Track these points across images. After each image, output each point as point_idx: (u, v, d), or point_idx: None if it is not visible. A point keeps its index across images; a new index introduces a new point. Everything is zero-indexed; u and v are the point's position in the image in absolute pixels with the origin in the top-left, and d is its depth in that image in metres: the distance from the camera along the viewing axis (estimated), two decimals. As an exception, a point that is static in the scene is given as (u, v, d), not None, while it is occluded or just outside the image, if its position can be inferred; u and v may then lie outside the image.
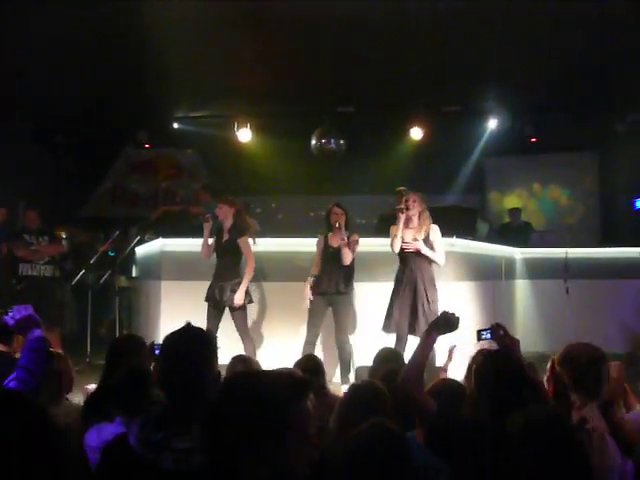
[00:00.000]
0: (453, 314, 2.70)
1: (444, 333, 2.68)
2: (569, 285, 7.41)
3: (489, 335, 2.83)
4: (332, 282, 5.63)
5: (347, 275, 5.70)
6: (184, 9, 6.44)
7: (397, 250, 5.40)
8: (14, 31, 6.52)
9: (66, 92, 8.13)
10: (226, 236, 5.79)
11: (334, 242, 5.71)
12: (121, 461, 1.80)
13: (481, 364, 2.54)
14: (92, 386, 3.63)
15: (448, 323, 2.66)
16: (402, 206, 5.40)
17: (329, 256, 5.71)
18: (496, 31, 6.57)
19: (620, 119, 8.93)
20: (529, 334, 7.15)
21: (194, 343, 1.93)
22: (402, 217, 5.37)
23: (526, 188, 10.58)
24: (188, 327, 2.00)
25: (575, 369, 2.81)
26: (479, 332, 2.90)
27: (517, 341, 2.82)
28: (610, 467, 2.51)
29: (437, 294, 5.38)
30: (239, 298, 5.62)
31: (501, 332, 2.80)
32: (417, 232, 5.41)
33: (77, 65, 7.45)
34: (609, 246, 8.29)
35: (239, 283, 5.69)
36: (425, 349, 2.63)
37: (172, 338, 1.96)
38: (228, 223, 5.81)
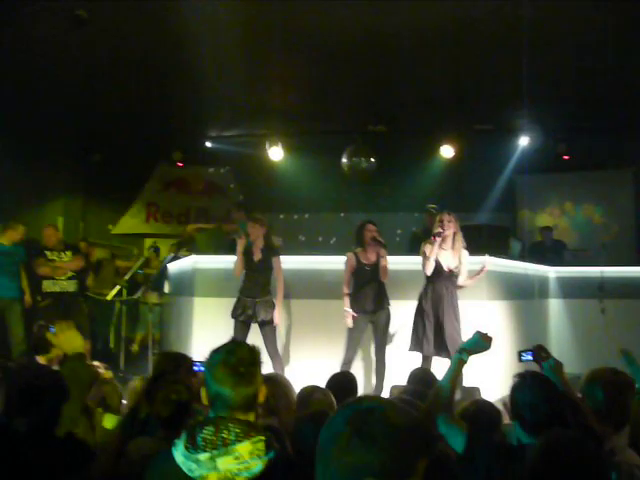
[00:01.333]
0: (486, 334, 2.67)
1: (476, 353, 2.65)
2: (604, 304, 7.29)
3: (530, 357, 2.80)
4: (373, 299, 5.64)
5: (385, 290, 5.72)
6: (219, 28, 6.59)
7: (429, 273, 5.36)
8: (51, 46, 6.70)
9: (102, 109, 8.35)
10: (258, 254, 5.85)
11: (369, 258, 5.72)
12: (168, 477, 1.82)
13: (516, 388, 2.49)
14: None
15: (481, 345, 2.64)
16: (439, 230, 5.34)
17: (365, 273, 5.69)
18: (528, 48, 6.56)
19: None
20: (563, 355, 7.00)
21: (253, 360, 1.97)
22: (437, 241, 5.32)
23: (558, 206, 10.46)
24: (236, 345, 2.03)
25: (597, 399, 2.71)
26: (520, 353, 2.86)
27: (560, 364, 2.77)
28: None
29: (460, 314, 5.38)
30: (277, 315, 5.70)
31: (543, 354, 2.75)
32: (453, 255, 5.40)
33: (113, 82, 7.64)
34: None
35: (270, 300, 5.76)
36: (455, 371, 2.59)
37: (218, 353, 1.98)
38: (259, 242, 5.88)
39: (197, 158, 10.52)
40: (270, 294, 5.81)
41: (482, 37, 6.64)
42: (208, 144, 10.01)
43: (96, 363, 3.52)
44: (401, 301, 6.01)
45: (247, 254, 5.88)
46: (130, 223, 11.13)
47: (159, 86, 7.83)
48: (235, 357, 1.94)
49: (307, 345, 6.25)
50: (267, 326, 5.73)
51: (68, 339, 2.58)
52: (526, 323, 6.77)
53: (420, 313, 5.42)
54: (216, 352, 1.99)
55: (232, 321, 5.76)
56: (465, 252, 5.46)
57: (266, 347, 5.65)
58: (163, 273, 8.14)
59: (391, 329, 6.07)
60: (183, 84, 7.74)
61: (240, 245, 5.86)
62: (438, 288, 5.37)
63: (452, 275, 5.38)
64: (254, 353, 2.01)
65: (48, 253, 7.01)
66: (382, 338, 5.69)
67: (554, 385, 2.54)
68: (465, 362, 2.60)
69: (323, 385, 3.45)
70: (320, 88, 8.06)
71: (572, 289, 7.89)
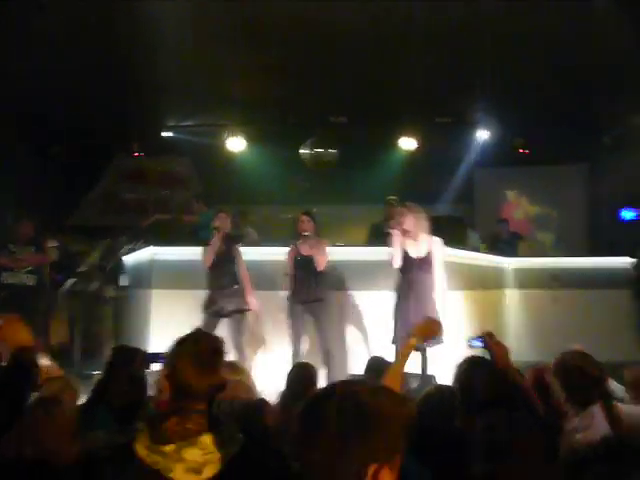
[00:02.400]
0: (435, 320, 2.73)
1: (426, 338, 2.68)
2: (558, 294, 7.50)
3: (480, 343, 2.85)
4: (308, 290, 5.64)
5: (322, 281, 5.72)
6: (177, 18, 6.48)
7: (397, 266, 5.35)
8: (9, 44, 6.51)
9: (56, 101, 8.11)
10: (222, 245, 5.80)
11: (304, 250, 5.72)
12: (129, 472, 1.78)
13: (464, 370, 2.55)
14: None
15: (430, 329, 2.67)
16: (395, 229, 5.35)
17: (300, 264, 5.71)
18: (487, 43, 6.65)
19: (607, 132, 9.05)
20: (519, 343, 7.18)
21: (216, 350, 1.94)
22: (398, 233, 5.32)
23: (515, 199, 10.67)
24: (199, 334, 2.00)
25: (567, 378, 2.85)
26: (469, 340, 2.92)
27: (507, 349, 2.84)
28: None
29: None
30: (255, 303, 5.69)
31: (490, 339, 2.81)
32: (419, 244, 5.38)
33: (68, 73, 7.44)
34: (597, 256, 8.37)
35: (238, 290, 5.75)
36: (403, 356, 2.61)
37: (185, 342, 1.94)
38: (223, 233, 5.84)
39: (155, 148, 10.33)
40: (238, 283, 5.79)
41: (443, 31, 6.71)
42: (166, 134, 9.84)
43: (44, 360, 3.42)
44: (367, 292, 6.06)
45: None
46: (87, 215, 10.89)
47: (117, 76, 7.66)
48: (199, 347, 1.92)
49: (273, 335, 6.24)
50: (235, 317, 5.70)
51: (14, 333, 2.48)
52: (483, 312, 6.89)
53: (396, 306, 5.39)
54: (180, 342, 1.96)
55: (191, 313, 5.69)
56: (437, 240, 5.43)
57: (233, 338, 5.61)
58: (119, 265, 7.99)
59: (358, 320, 6.11)
60: (140, 73, 7.59)
61: (217, 236, 5.78)
62: (409, 279, 5.34)
63: (423, 264, 5.36)
64: (218, 343, 1.98)
65: (11, 246, 6.87)
66: (324, 329, 5.66)
67: (498, 369, 2.60)
68: (413, 345, 2.60)
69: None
70: (281, 78, 8.01)
71: (527, 280, 8.06)
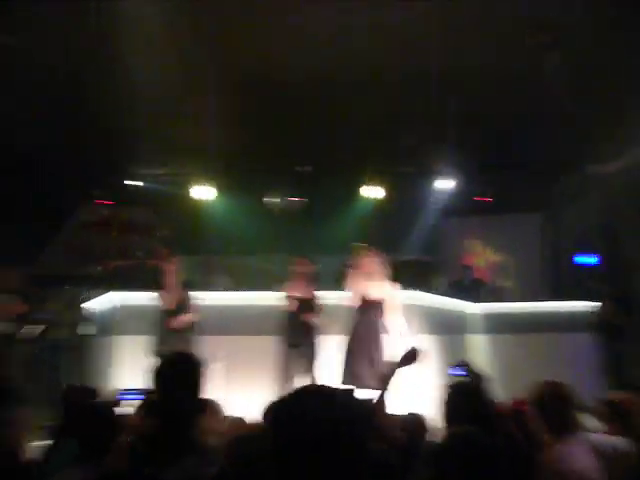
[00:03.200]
0: (414, 347, 2.80)
1: (406, 365, 2.77)
2: (522, 339, 7.62)
3: (460, 371, 2.92)
4: (301, 333, 5.72)
5: (311, 326, 5.80)
6: (145, 65, 6.57)
7: (356, 303, 5.48)
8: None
9: (20, 146, 8.04)
10: (180, 291, 5.94)
11: (301, 293, 5.77)
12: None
13: (453, 395, 2.59)
14: None
15: (411, 357, 2.75)
16: (350, 262, 5.57)
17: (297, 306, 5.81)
18: (449, 92, 6.90)
19: (562, 181, 9.43)
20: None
21: (192, 370, 1.92)
22: (355, 275, 5.48)
23: (477, 248, 10.91)
24: (182, 355, 1.99)
25: (543, 407, 2.89)
26: (450, 368, 2.99)
27: (483, 375, 2.91)
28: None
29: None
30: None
31: (469, 367, 2.90)
32: (376, 286, 5.50)
33: (32, 119, 7.41)
34: (555, 300, 8.59)
35: (189, 338, 5.85)
36: (385, 383, 2.70)
37: (166, 363, 1.92)
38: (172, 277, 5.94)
39: (120, 197, 10.26)
40: (191, 331, 5.91)
41: (405, 80, 6.97)
42: (130, 182, 9.80)
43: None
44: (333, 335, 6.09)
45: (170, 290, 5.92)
46: (50, 264, 10.62)
47: (81, 125, 7.67)
48: (170, 365, 1.91)
49: (239, 379, 6.16)
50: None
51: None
52: (449, 356, 6.93)
53: (350, 345, 5.48)
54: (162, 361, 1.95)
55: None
56: (393, 285, 5.58)
57: None
58: (79, 311, 7.80)
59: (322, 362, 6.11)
60: (104, 122, 7.61)
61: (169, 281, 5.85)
62: (362, 320, 5.48)
63: (377, 306, 5.48)
64: (194, 364, 1.97)
65: None
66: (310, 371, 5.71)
67: (481, 393, 2.65)
68: (393, 373, 2.69)
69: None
70: (247, 128, 8.14)
71: (490, 324, 8.18)
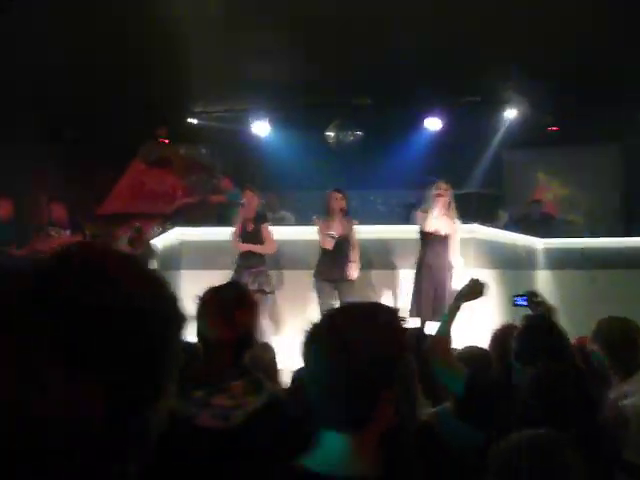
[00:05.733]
0: (478, 280, 2.68)
1: (470, 300, 2.66)
2: (592, 274, 7.34)
3: (524, 301, 2.81)
4: (338, 269, 5.65)
5: (348, 261, 5.72)
6: (198, 1, 6.46)
7: (429, 229, 5.45)
8: (24, 26, 6.53)
9: (82, 89, 8.16)
10: (250, 224, 5.82)
11: (335, 229, 5.70)
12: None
13: (526, 328, 2.50)
14: None
15: (475, 290, 2.64)
16: (440, 191, 5.47)
17: (334, 243, 5.70)
18: (515, 17, 6.50)
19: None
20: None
21: (232, 299, 1.91)
22: (440, 200, 5.41)
23: (547, 179, 10.45)
24: (229, 284, 1.98)
25: (609, 343, 2.76)
26: (514, 297, 2.88)
27: (554, 308, 2.79)
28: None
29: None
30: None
31: (537, 298, 2.77)
32: (447, 222, 5.49)
33: (92, 61, 7.47)
34: (632, 236, 8.17)
35: (265, 270, 5.83)
36: (450, 317, 2.62)
37: (212, 292, 1.93)
38: (252, 212, 5.84)
39: (182, 135, 10.35)
40: (264, 263, 5.84)
41: (467, 6, 6.57)
42: (191, 120, 9.84)
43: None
44: (401, 270, 6.06)
45: (242, 224, 5.89)
46: (115, 203, 10.95)
47: (142, 63, 7.68)
48: (219, 295, 1.90)
49: (288, 315, 6.26)
50: (260, 296, 5.72)
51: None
52: (514, 292, 6.76)
53: (417, 279, 5.50)
54: (204, 292, 1.94)
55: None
56: (458, 221, 5.58)
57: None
58: (149, 250, 8.04)
59: (384, 299, 6.11)
60: (163, 59, 7.59)
61: (241, 215, 5.84)
62: (432, 254, 5.45)
63: (445, 241, 5.46)
64: (240, 292, 1.96)
65: (50, 229, 6.86)
66: None
67: (554, 326, 2.55)
68: (459, 308, 2.60)
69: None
70: (303, 61, 7.94)
71: (559, 260, 7.91)
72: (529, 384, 1.83)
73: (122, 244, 8.13)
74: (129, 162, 11.04)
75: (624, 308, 6.91)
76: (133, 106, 9.04)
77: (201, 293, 1.96)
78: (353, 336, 1.16)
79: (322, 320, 1.25)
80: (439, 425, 2.53)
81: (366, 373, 1.14)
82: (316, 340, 1.20)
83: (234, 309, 1.88)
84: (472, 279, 2.69)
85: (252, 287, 5.67)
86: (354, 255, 5.78)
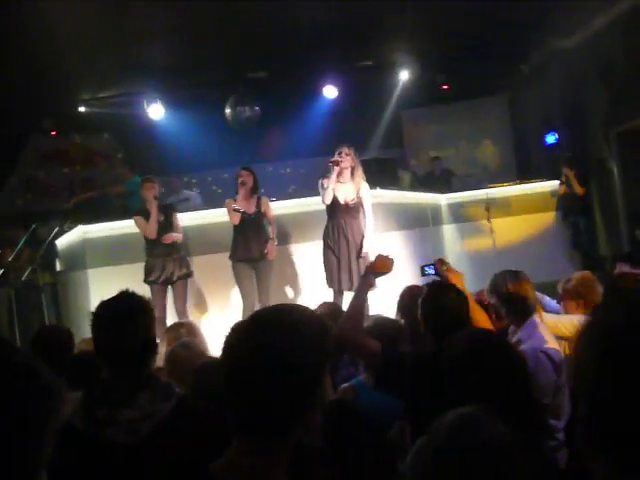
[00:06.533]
0: (387, 256, 2.75)
1: (380, 276, 2.73)
2: (492, 224, 7.72)
3: (432, 270, 2.90)
4: (252, 247, 5.63)
5: (264, 238, 5.73)
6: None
7: (328, 202, 5.40)
8: None
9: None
10: (160, 214, 5.72)
11: (245, 206, 5.68)
12: (67, 442, 1.72)
13: (428, 296, 2.58)
14: None
15: (383, 265, 2.71)
16: (336, 158, 5.37)
17: (245, 221, 5.66)
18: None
19: (524, 61, 9.19)
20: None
21: (130, 308, 1.87)
22: (335, 169, 5.34)
23: (444, 137, 10.77)
24: (123, 293, 1.94)
25: (501, 294, 2.94)
26: (422, 268, 2.97)
27: (461, 274, 2.91)
28: (546, 384, 2.64)
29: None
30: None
31: (444, 267, 2.87)
32: (352, 188, 5.45)
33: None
34: (525, 182, 8.62)
35: (183, 256, 5.82)
36: (362, 293, 2.67)
37: (107, 305, 1.89)
38: (155, 202, 5.72)
39: (72, 125, 9.86)
40: (179, 251, 5.83)
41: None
42: (82, 108, 9.37)
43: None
44: (308, 243, 6.07)
45: (147, 216, 5.72)
46: (9, 201, 10.37)
47: (21, 53, 7.20)
48: (113, 306, 1.87)
49: (209, 300, 6.23)
50: (180, 282, 5.74)
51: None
52: (422, 250, 7.02)
53: (325, 250, 5.48)
54: (97, 306, 1.91)
55: (132, 287, 5.57)
56: (365, 185, 5.51)
57: (175, 304, 5.69)
58: (51, 250, 7.70)
59: (302, 272, 6.15)
60: (45, 47, 7.15)
61: (154, 207, 5.67)
62: (337, 223, 5.43)
63: (350, 208, 5.44)
64: (135, 301, 1.92)
65: None
66: (265, 286, 5.71)
67: (460, 291, 2.65)
68: (371, 284, 2.66)
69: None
70: (193, 38, 7.71)
71: (462, 213, 8.25)
72: (461, 354, 1.84)
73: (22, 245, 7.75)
74: (18, 158, 10.44)
75: (522, 253, 7.37)
76: (19, 97, 8.50)
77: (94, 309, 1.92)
78: (269, 342, 1.14)
79: (239, 325, 1.23)
80: (356, 398, 2.63)
81: (283, 379, 1.13)
82: (233, 345, 1.19)
83: (131, 317, 1.86)
84: (379, 255, 2.76)
85: (179, 273, 5.71)
86: (271, 233, 5.75)
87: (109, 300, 1.90)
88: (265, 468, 1.15)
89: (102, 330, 1.85)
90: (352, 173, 5.44)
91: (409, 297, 3.24)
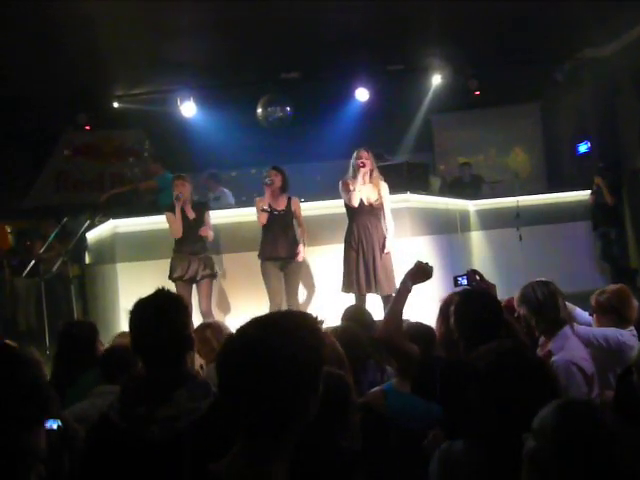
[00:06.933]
0: (427, 263, 2.73)
1: (418, 282, 2.70)
2: (522, 232, 7.64)
3: (465, 281, 2.88)
4: (281, 246, 5.59)
5: (294, 237, 5.69)
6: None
7: (356, 204, 5.38)
8: None
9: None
10: (191, 212, 5.72)
11: (276, 204, 5.65)
12: (107, 439, 1.75)
13: (461, 303, 2.56)
14: None
15: (423, 273, 2.69)
16: (362, 160, 5.37)
17: (274, 219, 5.63)
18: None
19: (558, 69, 9.09)
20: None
21: (166, 306, 1.89)
22: (362, 171, 5.35)
23: (474, 142, 10.69)
24: (159, 292, 1.96)
25: (531, 304, 2.91)
26: (455, 278, 2.95)
27: (493, 285, 2.88)
28: (577, 396, 2.60)
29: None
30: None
31: (477, 277, 2.86)
32: (372, 189, 5.45)
33: (9, 46, 7.08)
34: (556, 191, 8.53)
35: (208, 256, 5.78)
36: (401, 299, 2.64)
37: (144, 302, 1.91)
38: (189, 199, 5.75)
39: (105, 121, 9.99)
40: (206, 249, 5.78)
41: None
42: (116, 104, 9.50)
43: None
44: (332, 245, 6.08)
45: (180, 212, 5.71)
46: (41, 194, 10.56)
47: (58, 49, 7.33)
48: (149, 303, 1.89)
49: (240, 297, 6.22)
50: (204, 282, 5.69)
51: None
52: (450, 256, 6.97)
53: (348, 252, 5.44)
54: (134, 304, 1.93)
55: (159, 283, 5.60)
56: (385, 185, 5.51)
57: (200, 304, 5.63)
58: (81, 243, 7.82)
59: (323, 274, 6.12)
60: (81, 42, 7.27)
61: (178, 206, 5.65)
62: (362, 224, 5.41)
63: (375, 209, 5.43)
64: (170, 297, 1.94)
65: None
66: (294, 285, 5.68)
67: (494, 302, 2.62)
68: (409, 290, 2.64)
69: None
70: (229, 37, 7.77)
71: (491, 220, 8.18)
72: (488, 366, 1.83)
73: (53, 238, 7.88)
74: (50, 151, 10.61)
75: (552, 263, 7.27)
76: (53, 92, 8.65)
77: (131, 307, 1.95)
78: (266, 351, 1.17)
79: (236, 334, 1.26)
80: (386, 403, 2.61)
81: (275, 380, 1.16)
82: (228, 355, 1.21)
83: (167, 315, 1.88)
84: (418, 261, 2.73)
85: (203, 272, 5.67)
86: (300, 234, 5.71)
87: (146, 298, 1.92)
88: (265, 468, 1.18)
89: (139, 328, 1.87)
90: (371, 174, 5.45)
91: (451, 304, 3.19)
